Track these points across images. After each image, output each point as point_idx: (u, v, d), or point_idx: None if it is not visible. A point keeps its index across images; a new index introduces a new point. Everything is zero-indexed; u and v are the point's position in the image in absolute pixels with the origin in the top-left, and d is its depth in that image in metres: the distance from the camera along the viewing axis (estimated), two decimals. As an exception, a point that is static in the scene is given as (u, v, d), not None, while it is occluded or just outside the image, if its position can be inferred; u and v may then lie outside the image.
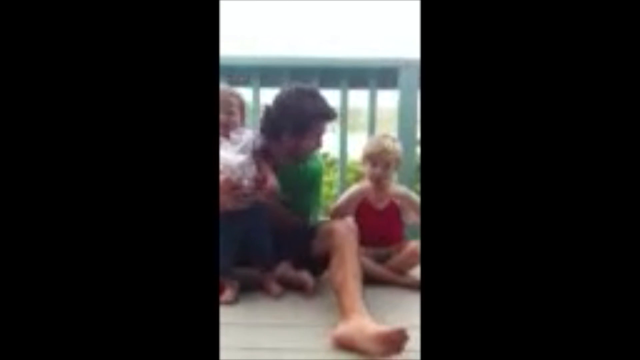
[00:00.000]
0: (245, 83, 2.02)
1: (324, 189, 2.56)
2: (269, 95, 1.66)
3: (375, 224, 1.72)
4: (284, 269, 1.60)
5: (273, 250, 1.53)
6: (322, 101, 1.55)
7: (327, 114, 1.55)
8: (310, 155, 1.64)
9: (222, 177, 1.35)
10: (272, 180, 1.45)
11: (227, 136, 1.43)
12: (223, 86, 1.45)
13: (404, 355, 1.05)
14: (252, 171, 1.43)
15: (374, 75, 2.03)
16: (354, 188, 1.74)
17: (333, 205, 1.80)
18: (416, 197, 1.69)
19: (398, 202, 1.74)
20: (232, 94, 1.48)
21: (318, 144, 1.59)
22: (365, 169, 1.72)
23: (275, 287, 1.52)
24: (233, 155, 1.41)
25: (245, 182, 1.40)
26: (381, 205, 1.76)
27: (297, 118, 1.50)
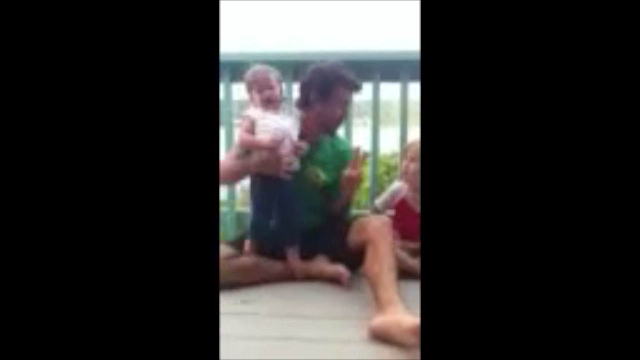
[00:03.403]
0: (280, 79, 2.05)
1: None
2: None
3: (412, 225, 1.73)
4: (321, 262, 1.63)
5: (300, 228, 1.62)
6: (343, 70, 1.64)
7: (348, 81, 1.63)
8: (339, 126, 1.71)
9: (268, 136, 1.49)
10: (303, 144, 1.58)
11: (273, 108, 1.54)
12: (260, 65, 1.58)
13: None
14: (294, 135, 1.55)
15: (405, 68, 2.02)
16: (393, 186, 1.81)
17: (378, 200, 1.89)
18: None
19: None
20: (269, 70, 1.58)
21: (343, 113, 1.67)
22: (402, 164, 1.76)
23: (298, 264, 1.60)
24: (279, 119, 1.53)
25: (287, 143, 1.51)
26: (420, 208, 1.76)
27: (321, 84, 1.62)
